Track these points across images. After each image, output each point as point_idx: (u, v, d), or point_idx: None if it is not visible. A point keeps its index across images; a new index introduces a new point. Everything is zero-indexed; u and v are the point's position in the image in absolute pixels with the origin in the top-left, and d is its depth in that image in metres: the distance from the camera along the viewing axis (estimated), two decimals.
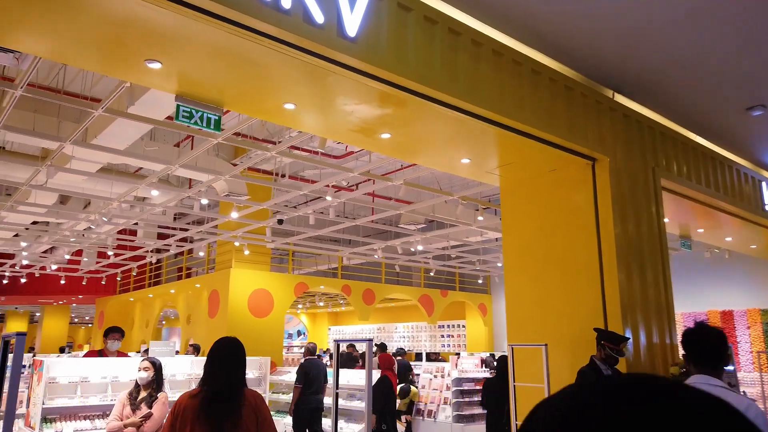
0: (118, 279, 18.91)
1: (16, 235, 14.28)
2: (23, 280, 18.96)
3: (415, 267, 17.92)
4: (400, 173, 8.64)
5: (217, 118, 4.71)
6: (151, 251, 14.73)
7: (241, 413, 2.89)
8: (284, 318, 13.84)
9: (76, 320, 33.70)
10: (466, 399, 10.97)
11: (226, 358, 3.02)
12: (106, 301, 20.55)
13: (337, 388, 4.31)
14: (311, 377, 7.94)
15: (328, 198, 8.32)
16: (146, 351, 7.08)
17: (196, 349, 11.59)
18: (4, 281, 19.30)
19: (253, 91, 4.45)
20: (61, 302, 23.25)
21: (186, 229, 12.24)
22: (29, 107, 7.92)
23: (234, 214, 9.55)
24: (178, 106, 4.46)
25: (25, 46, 3.67)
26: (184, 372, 6.05)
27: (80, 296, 20.53)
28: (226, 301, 12.61)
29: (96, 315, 22.01)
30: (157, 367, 4.57)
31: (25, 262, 16.15)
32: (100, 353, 6.08)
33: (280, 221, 9.99)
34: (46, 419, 5.15)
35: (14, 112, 7.59)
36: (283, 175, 10.86)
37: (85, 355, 6.60)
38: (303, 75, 4.09)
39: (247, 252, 12.55)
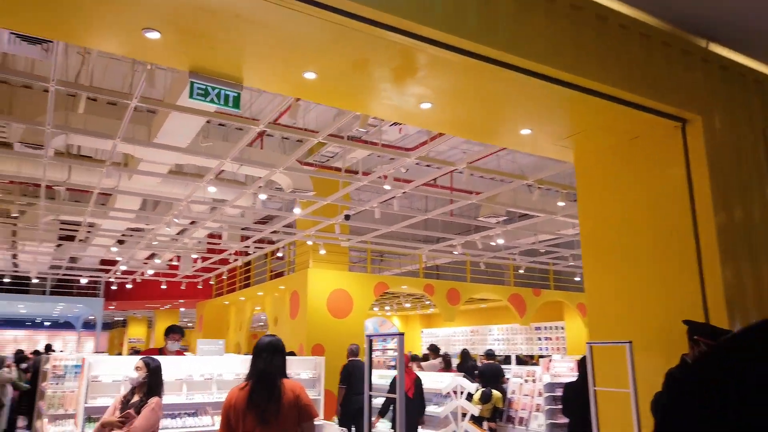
0: (211, 283, 19.52)
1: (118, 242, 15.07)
2: (129, 286, 20.12)
3: (504, 264, 16.93)
4: (477, 162, 7.92)
5: (236, 95, 4.36)
6: (234, 254, 14.94)
7: (282, 400, 3.20)
8: (364, 318, 13.47)
9: (189, 324, 35.50)
10: (560, 406, 10.00)
11: (266, 352, 3.36)
12: (204, 304, 21.32)
13: (370, 390, 3.85)
14: (354, 378, 7.55)
15: (387, 187, 7.81)
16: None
17: None
18: (113, 287, 20.59)
19: (265, 60, 4.04)
20: (167, 307, 24.50)
21: (261, 230, 12.23)
22: (113, 115, 8.12)
23: (297, 210, 9.30)
24: (191, 83, 4.16)
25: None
26: (231, 371, 5.81)
27: (181, 300, 21.46)
28: (305, 302, 12.46)
29: (196, 319, 22.95)
30: (151, 369, 4.13)
31: (123, 268, 17.04)
32: (161, 351, 6.17)
33: (347, 217, 9.62)
34: (90, 419, 5.03)
35: (92, 118, 7.77)
36: (356, 172, 10.51)
37: (144, 353, 6.63)
38: (314, 33, 3.61)
39: (323, 251, 12.32)
